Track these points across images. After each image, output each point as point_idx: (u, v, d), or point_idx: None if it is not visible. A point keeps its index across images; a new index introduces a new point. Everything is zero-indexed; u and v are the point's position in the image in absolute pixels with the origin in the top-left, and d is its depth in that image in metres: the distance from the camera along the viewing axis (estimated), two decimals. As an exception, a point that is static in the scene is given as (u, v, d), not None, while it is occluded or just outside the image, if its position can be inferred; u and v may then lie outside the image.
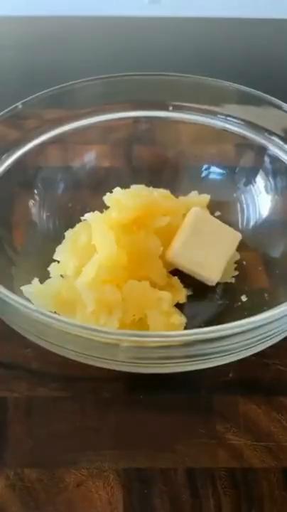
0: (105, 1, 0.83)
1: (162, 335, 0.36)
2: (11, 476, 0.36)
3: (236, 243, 0.47)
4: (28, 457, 0.37)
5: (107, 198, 0.47)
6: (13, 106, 0.47)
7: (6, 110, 0.47)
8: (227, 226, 0.47)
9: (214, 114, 0.51)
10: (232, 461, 0.37)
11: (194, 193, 0.51)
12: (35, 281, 0.43)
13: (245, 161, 0.52)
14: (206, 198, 0.50)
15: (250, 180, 0.51)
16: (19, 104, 0.48)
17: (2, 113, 0.47)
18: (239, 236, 0.47)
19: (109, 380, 0.41)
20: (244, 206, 0.51)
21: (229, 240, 0.46)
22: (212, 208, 0.51)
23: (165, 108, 0.52)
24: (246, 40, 0.83)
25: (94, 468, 0.37)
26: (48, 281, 0.44)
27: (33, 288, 0.43)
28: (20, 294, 0.42)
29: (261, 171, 0.51)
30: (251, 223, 0.50)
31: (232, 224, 0.49)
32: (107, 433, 0.39)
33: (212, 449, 0.38)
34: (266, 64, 0.78)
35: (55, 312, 0.41)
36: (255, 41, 0.83)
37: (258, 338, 0.36)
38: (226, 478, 0.37)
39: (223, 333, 0.34)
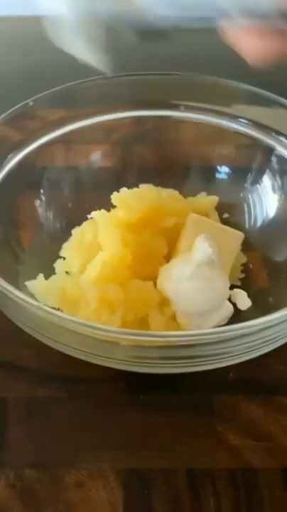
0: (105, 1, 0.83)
1: (161, 335, 0.36)
2: (11, 477, 0.36)
3: (240, 243, 0.47)
4: (28, 457, 0.37)
5: (114, 197, 0.47)
6: (23, 103, 0.47)
7: (10, 110, 0.47)
8: (228, 227, 0.47)
9: (220, 114, 0.51)
10: (232, 462, 0.37)
11: (202, 194, 0.50)
12: (40, 276, 0.43)
13: (252, 161, 0.52)
14: (214, 199, 0.50)
15: (257, 180, 0.51)
16: (30, 101, 0.47)
17: (5, 114, 0.47)
18: (241, 236, 0.47)
19: (108, 380, 0.41)
20: (251, 206, 0.51)
21: (232, 241, 0.46)
22: (220, 209, 0.50)
23: (172, 108, 0.52)
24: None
25: (94, 469, 0.37)
26: (53, 277, 0.45)
27: (38, 283, 0.43)
28: (25, 290, 0.42)
29: (268, 171, 0.51)
30: (258, 224, 0.50)
31: (239, 224, 0.49)
32: (107, 433, 0.38)
33: (212, 449, 0.38)
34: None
35: (58, 308, 0.41)
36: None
37: (261, 341, 0.35)
38: (226, 479, 0.37)
39: (223, 336, 0.34)
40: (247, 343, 0.35)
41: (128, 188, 0.48)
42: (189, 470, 0.37)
